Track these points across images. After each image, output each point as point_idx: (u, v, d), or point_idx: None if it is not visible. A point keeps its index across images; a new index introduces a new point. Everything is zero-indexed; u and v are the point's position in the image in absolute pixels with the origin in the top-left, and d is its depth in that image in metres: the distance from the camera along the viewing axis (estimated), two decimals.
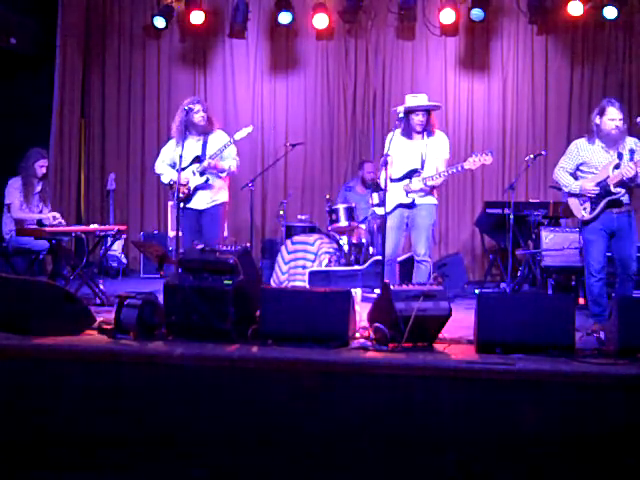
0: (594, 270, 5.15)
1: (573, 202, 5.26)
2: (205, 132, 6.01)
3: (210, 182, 5.94)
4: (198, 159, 5.94)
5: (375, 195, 6.11)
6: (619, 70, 8.66)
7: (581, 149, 5.24)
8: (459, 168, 5.71)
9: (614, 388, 3.80)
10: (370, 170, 8.04)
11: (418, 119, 5.73)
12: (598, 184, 5.11)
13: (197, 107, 5.96)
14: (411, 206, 5.75)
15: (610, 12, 8.17)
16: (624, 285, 5.17)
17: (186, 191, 5.93)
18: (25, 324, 4.47)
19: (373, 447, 3.84)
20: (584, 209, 5.19)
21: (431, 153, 5.77)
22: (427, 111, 5.78)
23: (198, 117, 5.95)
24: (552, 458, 3.72)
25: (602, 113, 5.12)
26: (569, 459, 3.71)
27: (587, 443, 3.70)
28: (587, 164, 5.20)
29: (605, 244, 5.18)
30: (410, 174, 5.75)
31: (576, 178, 5.26)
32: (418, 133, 5.78)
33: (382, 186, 5.88)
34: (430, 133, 5.81)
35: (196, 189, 5.95)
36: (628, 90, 8.58)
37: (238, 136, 5.90)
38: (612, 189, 5.07)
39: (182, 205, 5.96)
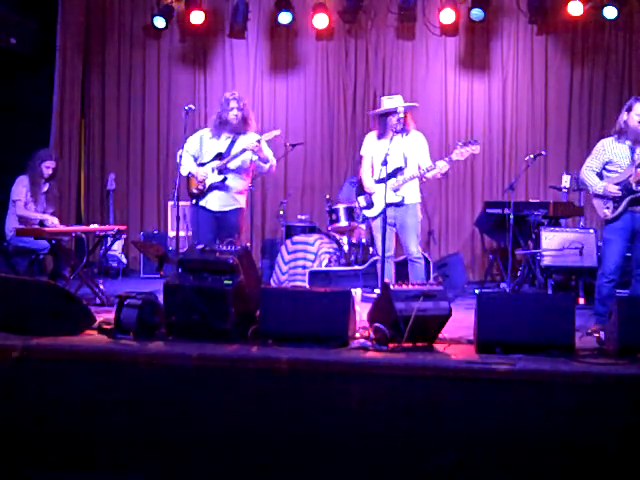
0: (608, 270, 5.08)
1: (597, 202, 5.21)
2: (237, 132, 5.74)
3: (227, 183, 5.69)
4: (220, 156, 5.70)
5: (361, 198, 6.10)
6: (619, 70, 8.65)
7: (607, 147, 5.18)
8: (446, 160, 5.74)
9: (614, 388, 3.80)
10: None
11: (396, 119, 5.80)
12: (620, 184, 5.05)
13: (232, 104, 5.69)
14: (400, 204, 5.80)
15: (610, 12, 8.17)
16: (637, 285, 5.12)
17: (201, 187, 5.70)
18: (25, 324, 4.47)
19: (373, 447, 3.84)
20: (607, 208, 5.12)
21: (411, 151, 5.88)
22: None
23: (231, 115, 5.68)
24: (552, 458, 3.71)
25: (629, 109, 5.08)
26: (569, 459, 3.71)
27: (587, 443, 3.70)
28: (612, 162, 5.14)
29: (624, 244, 5.09)
30: (395, 173, 5.80)
31: (602, 177, 5.20)
32: (396, 133, 5.83)
33: (366, 188, 5.99)
34: (407, 132, 5.89)
35: (211, 187, 5.70)
36: (628, 90, 8.56)
37: (265, 138, 5.65)
38: (634, 187, 5.01)
39: (195, 202, 5.78)
